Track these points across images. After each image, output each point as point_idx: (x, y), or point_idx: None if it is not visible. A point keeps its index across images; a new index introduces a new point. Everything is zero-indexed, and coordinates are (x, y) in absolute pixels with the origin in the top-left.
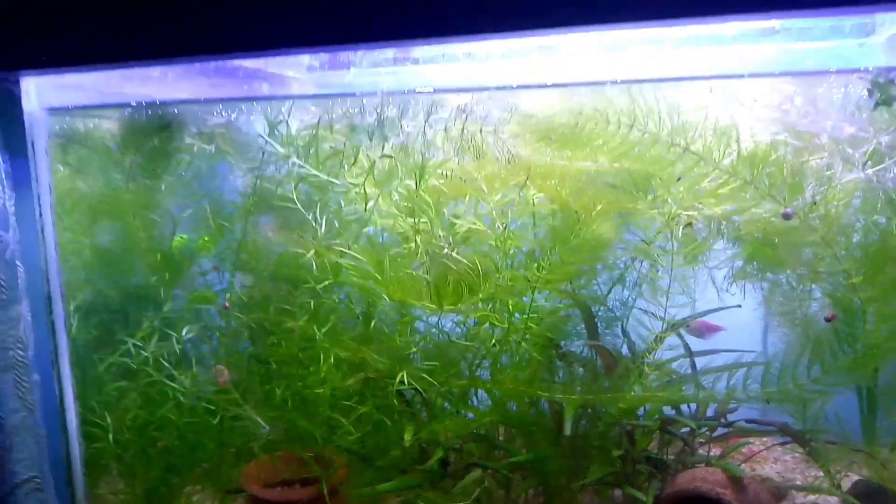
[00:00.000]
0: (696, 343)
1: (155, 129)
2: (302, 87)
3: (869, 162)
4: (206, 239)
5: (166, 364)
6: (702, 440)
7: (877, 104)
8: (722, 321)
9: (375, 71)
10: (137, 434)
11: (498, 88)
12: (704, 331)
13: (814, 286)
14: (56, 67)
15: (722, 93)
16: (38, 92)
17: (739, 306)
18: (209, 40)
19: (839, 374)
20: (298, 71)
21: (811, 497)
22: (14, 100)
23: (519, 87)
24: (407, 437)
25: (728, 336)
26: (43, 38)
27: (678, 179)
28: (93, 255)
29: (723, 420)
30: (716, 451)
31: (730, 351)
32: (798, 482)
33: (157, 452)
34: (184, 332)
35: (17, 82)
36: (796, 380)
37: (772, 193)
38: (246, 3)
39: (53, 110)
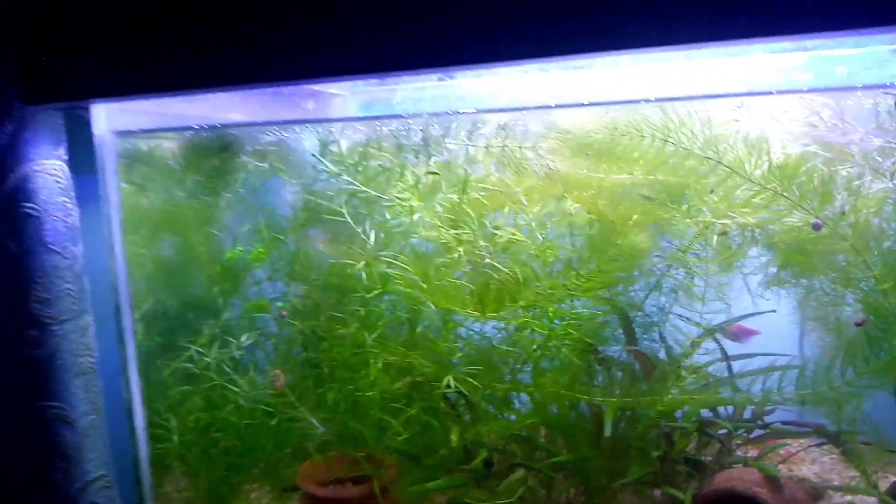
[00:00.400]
0: (731, 347)
1: (215, 151)
2: (346, 103)
3: None
4: (261, 250)
5: (227, 369)
6: (739, 441)
7: None
8: (759, 326)
9: (420, 89)
10: (200, 435)
11: (536, 108)
12: (741, 335)
13: (846, 291)
14: (125, 96)
15: (752, 107)
16: (107, 116)
17: (774, 311)
18: (265, 68)
19: (872, 376)
20: (341, 87)
21: (848, 497)
22: (85, 124)
23: (557, 105)
24: (453, 437)
25: (766, 340)
26: (112, 69)
27: (710, 192)
28: (156, 267)
29: (759, 422)
30: (753, 452)
31: (765, 354)
32: (835, 483)
33: (218, 452)
34: (242, 339)
35: (87, 108)
36: (830, 382)
37: (802, 204)
38: (303, 35)
39: (121, 133)
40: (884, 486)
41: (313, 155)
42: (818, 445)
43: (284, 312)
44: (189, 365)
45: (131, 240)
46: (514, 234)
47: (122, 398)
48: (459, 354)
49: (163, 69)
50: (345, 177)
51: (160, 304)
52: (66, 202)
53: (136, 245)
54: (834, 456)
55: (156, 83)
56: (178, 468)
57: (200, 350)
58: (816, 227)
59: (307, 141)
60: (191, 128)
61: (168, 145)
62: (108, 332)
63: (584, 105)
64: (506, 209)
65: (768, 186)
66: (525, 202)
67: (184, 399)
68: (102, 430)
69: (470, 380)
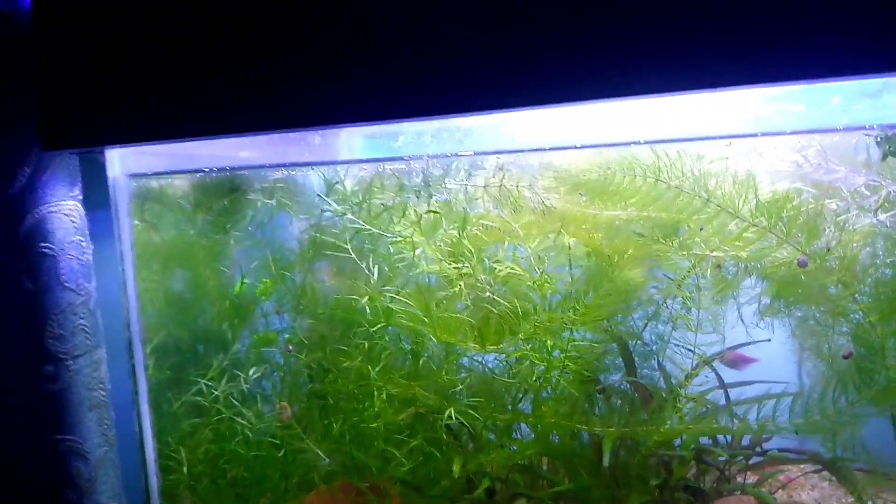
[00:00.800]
0: (728, 375)
1: (224, 192)
2: (350, 135)
3: (881, 208)
4: (268, 283)
5: (235, 401)
6: (738, 468)
7: (885, 156)
8: (759, 354)
9: (422, 134)
10: (209, 466)
11: (532, 150)
12: (739, 362)
13: (838, 322)
14: (136, 142)
15: (740, 146)
16: (121, 159)
17: (769, 340)
18: (273, 115)
19: (863, 405)
20: None
21: None
22: (99, 167)
23: (552, 148)
24: (455, 468)
25: (764, 368)
26: (126, 116)
27: (701, 229)
28: (167, 301)
29: (757, 449)
30: (752, 478)
31: (762, 382)
32: None
33: (226, 483)
34: (251, 372)
35: (102, 152)
36: (824, 411)
37: (789, 239)
38: (312, 84)
39: (134, 175)
40: None
41: (318, 195)
42: (817, 472)
43: (291, 347)
44: (198, 398)
45: (143, 276)
46: (513, 268)
47: (134, 430)
48: (461, 386)
49: (174, 117)
50: (349, 215)
51: (171, 338)
52: (81, 241)
53: (147, 280)
54: (832, 481)
55: (167, 130)
56: (187, 499)
57: (209, 383)
58: (802, 264)
59: (314, 176)
60: (202, 170)
61: (179, 183)
62: (121, 365)
63: (576, 147)
64: (505, 244)
65: (755, 223)
66: (523, 237)
67: (193, 431)
68: (115, 461)
69: (471, 411)
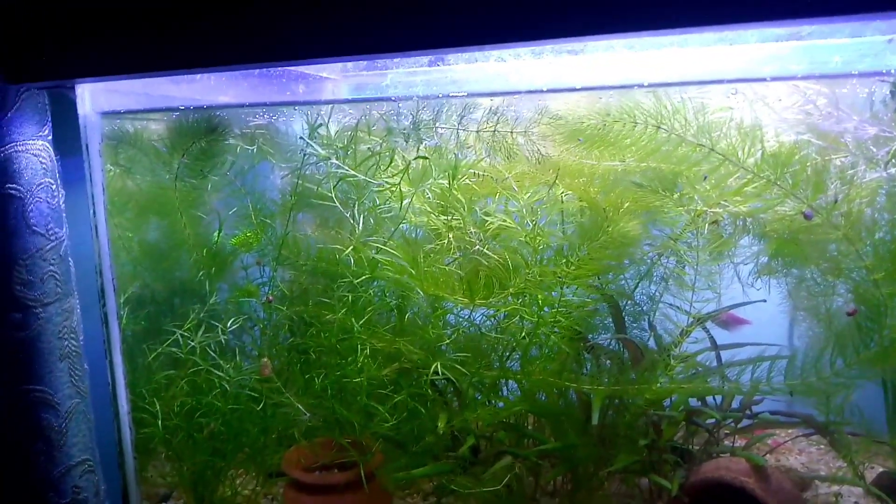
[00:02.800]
0: (721, 336)
1: (201, 133)
2: (336, 87)
3: (892, 161)
4: (247, 234)
5: (212, 353)
6: (727, 431)
7: None
8: (748, 315)
9: (411, 74)
10: (185, 420)
11: (528, 92)
12: (732, 323)
13: (837, 281)
14: (110, 75)
15: (746, 95)
16: (92, 96)
17: (765, 301)
18: (253, 50)
19: (861, 367)
20: (332, 71)
21: (835, 487)
22: (69, 104)
23: (549, 90)
24: (440, 424)
25: (754, 330)
26: (97, 47)
27: (704, 179)
28: (141, 250)
29: (748, 412)
30: (741, 442)
31: (754, 344)
32: (822, 473)
33: (203, 438)
34: (229, 325)
35: (72, 88)
36: (819, 373)
37: (795, 192)
38: (290, 16)
39: (106, 114)
40: (871, 476)
41: (301, 138)
42: (806, 436)
43: (271, 297)
44: (174, 349)
45: (117, 222)
46: (504, 221)
47: (107, 382)
48: (448, 341)
49: (148, 49)
50: (333, 160)
51: (146, 288)
52: (51, 183)
53: (122, 228)
54: (822, 446)
55: (141, 63)
56: (162, 453)
57: (186, 334)
58: (808, 216)
59: (297, 124)
60: (176, 109)
61: (155, 127)
62: (96, 316)
63: (576, 90)
64: (497, 195)
65: (761, 175)
66: (516, 188)
67: (169, 384)
68: (87, 414)
69: (458, 367)
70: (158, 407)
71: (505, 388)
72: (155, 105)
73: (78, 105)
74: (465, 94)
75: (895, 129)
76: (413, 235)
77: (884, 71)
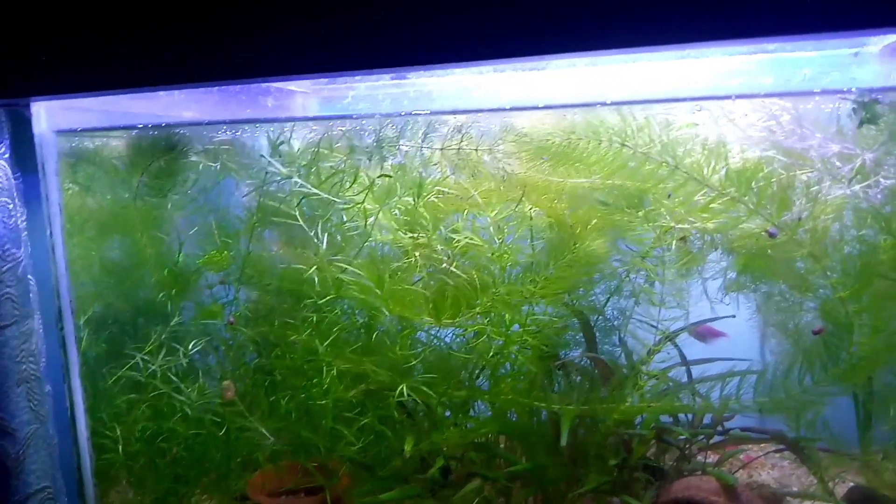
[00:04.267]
0: (692, 351)
1: (161, 150)
2: (306, 100)
3: (856, 178)
4: (214, 254)
5: (174, 377)
6: (699, 448)
7: (861, 122)
8: (723, 330)
9: (373, 88)
10: (146, 445)
11: (492, 110)
12: (708, 336)
13: (805, 298)
14: (65, 94)
15: (711, 111)
16: (48, 115)
17: (734, 316)
18: (213, 66)
19: (829, 384)
20: (301, 84)
21: (808, 503)
22: (25, 123)
23: (512, 108)
24: (407, 447)
25: (726, 345)
26: (52, 66)
27: (668, 196)
28: (102, 270)
29: (719, 427)
30: (713, 458)
31: (724, 360)
32: (794, 489)
33: (165, 463)
34: (191, 346)
35: (27, 106)
36: (788, 389)
37: (759, 209)
38: (250, 32)
39: (63, 132)
40: (842, 490)
41: (262, 156)
42: (778, 451)
43: (233, 319)
44: (135, 373)
45: (78, 242)
46: (471, 238)
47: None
48: (416, 361)
49: (104, 67)
50: (296, 178)
51: (107, 309)
52: (8, 203)
53: (82, 247)
54: (794, 461)
55: (96, 81)
56: (123, 479)
57: (146, 357)
58: (772, 234)
59: (264, 138)
60: (134, 126)
61: (116, 143)
62: (55, 337)
63: (538, 108)
64: (464, 213)
65: (725, 192)
66: (482, 206)
67: (130, 408)
68: (47, 439)
69: (425, 388)
70: (119, 432)
71: (474, 409)
72: (115, 123)
73: (33, 123)
74: (429, 112)
75: (859, 145)
76: (379, 253)
77: (845, 89)
